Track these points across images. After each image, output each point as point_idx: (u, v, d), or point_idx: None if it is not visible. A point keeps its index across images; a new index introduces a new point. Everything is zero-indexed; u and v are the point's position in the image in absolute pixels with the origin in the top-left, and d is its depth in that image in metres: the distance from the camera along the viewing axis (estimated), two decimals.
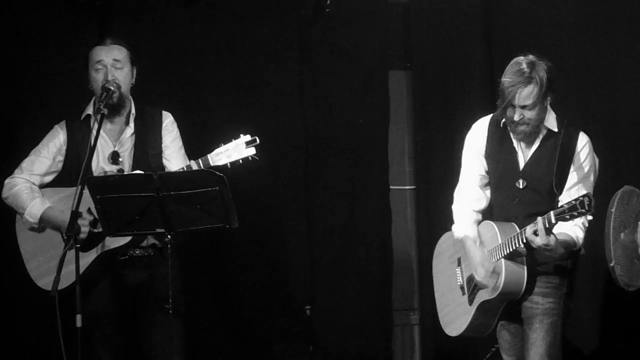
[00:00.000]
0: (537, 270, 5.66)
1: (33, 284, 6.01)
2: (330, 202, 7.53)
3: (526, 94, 5.55)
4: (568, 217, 5.37)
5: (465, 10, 7.42)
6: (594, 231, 5.78)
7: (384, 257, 7.58)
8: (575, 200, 5.35)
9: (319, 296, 7.50)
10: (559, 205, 5.46)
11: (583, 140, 5.68)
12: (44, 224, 6.00)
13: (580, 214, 5.34)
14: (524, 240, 5.51)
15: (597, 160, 5.76)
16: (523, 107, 5.56)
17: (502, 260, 5.62)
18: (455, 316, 5.89)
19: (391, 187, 7.66)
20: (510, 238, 5.58)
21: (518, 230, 5.58)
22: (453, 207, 5.91)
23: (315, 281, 7.50)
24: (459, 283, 5.91)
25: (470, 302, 5.79)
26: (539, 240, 5.44)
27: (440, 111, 7.52)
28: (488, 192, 5.86)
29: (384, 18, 7.61)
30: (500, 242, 5.64)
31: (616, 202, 5.83)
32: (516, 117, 5.59)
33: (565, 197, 5.60)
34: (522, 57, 5.65)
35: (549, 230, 5.43)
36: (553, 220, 5.39)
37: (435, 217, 7.07)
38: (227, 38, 7.34)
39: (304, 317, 7.46)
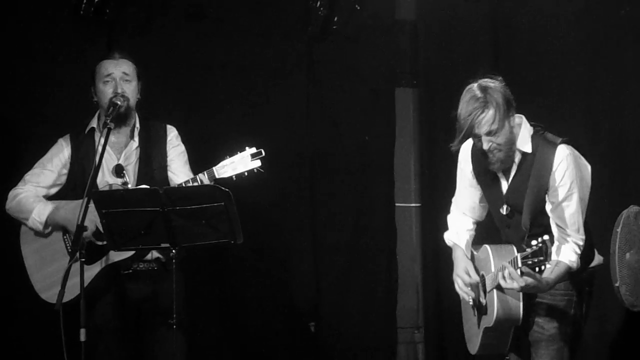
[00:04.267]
0: (541, 295, 5.45)
1: (37, 297, 6.01)
2: (336, 219, 7.52)
3: (487, 120, 5.25)
4: (531, 262, 5.11)
5: (472, 28, 7.42)
6: (600, 252, 5.74)
7: (388, 274, 7.57)
8: (536, 245, 5.10)
9: (323, 313, 7.49)
10: (526, 247, 5.19)
11: (559, 156, 5.32)
12: (51, 224, 6.00)
13: (541, 262, 5.07)
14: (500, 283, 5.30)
15: (587, 170, 5.44)
16: (488, 134, 5.28)
17: (494, 291, 5.42)
18: (471, 335, 5.83)
19: (397, 204, 7.65)
20: (498, 270, 5.36)
21: (515, 254, 5.33)
22: (448, 216, 5.86)
23: (320, 298, 7.49)
24: (470, 303, 5.85)
25: (478, 325, 5.74)
26: (515, 285, 5.20)
27: (447, 129, 7.46)
28: (483, 205, 5.72)
29: (392, 35, 7.62)
30: (493, 270, 5.46)
31: (622, 222, 5.81)
32: (485, 146, 5.30)
33: (552, 223, 5.39)
34: (473, 84, 5.36)
35: (522, 273, 5.16)
36: (519, 264, 5.15)
37: (441, 235, 7.05)
38: (234, 53, 7.35)
39: (309, 334, 7.45)
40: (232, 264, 7.25)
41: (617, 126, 7.08)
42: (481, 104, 5.26)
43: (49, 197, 6.10)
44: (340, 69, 7.53)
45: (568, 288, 5.49)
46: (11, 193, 6.11)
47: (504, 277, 5.24)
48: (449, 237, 5.83)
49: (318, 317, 7.49)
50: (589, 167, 5.47)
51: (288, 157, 7.33)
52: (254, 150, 5.94)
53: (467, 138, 5.37)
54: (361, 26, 7.51)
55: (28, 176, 6.12)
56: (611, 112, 7.10)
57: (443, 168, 7.35)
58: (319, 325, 7.48)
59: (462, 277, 5.62)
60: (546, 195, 5.36)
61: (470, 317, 5.84)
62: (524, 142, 5.39)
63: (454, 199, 5.85)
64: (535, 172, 5.35)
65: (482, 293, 5.60)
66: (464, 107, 5.30)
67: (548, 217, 5.41)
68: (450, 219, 5.85)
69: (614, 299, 6.00)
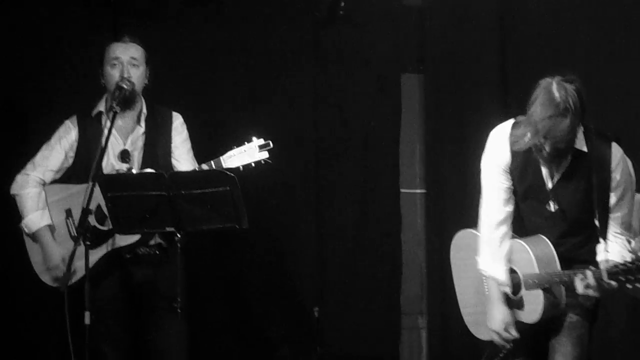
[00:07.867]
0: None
1: (39, 279, 6.03)
2: (341, 205, 7.52)
3: (563, 128, 5.02)
4: (623, 279, 5.09)
5: (480, 15, 7.41)
6: None
7: (393, 260, 7.58)
8: (632, 263, 5.07)
9: (327, 298, 7.50)
10: (613, 261, 5.17)
11: (617, 155, 5.23)
12: (36, 238, 6.01)
13: (637, 280, 5.04)
14: (569, 287, 5.28)
15: (630, 165, 5.33)
16: (557, 141, 5.08)
17: (541, 292, 5.37)
18: (483, 320, 5.78)
19: (402, 190, 7.65)
20: (551, 275, 5.31)
21: (554, 253, 5.31)
22: (481, 230, 5.50)
23: (324, 283, 7.50)
24: (486, 292, 5.78)
25: None
26: (592, 293, 5.18)
27: (453, 115, 7.51)
28: (511, 206, 5.45)
29: (398, 21, 7.60)
30: (537, 271, 5.37)
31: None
32: (548, 149, 5.10)
33: (603, 221, 5.34)
34: (551, 81, 5.08)
35: (602, 285, 5.15)
36: (605, 279, 5.11)
37: (446, 221, 7.07)
38: (240, 39, 7.34)
39: (312, 319, 7.46)
40: (236, 249, 7.26)
41: (625, 119, 7.06)
42: (562, 111, 5.01)
43: (55, 181, 6.09)
44: (346, 55, 7.52)
45: None
46: (19, 178, 6.09)
47: (587, 286, 5.18)
48: (485, 267, 5.51)
49: (322, 302, 7.50)
50: (630, 162, 5.35)
51: (293, 143, 7.32)
52: (262, 141, 5.92)
53: (542, 139, 5.09)
54: (368, 12, 7.50)
55: (37, 159, 6.09)
56: (618, 103, 7.09)
57: (448, 154, 7.39)
58: (322, 310, 7.49)
59: (494, 335, 5.48)
60: (598, 194, 5.25)
61: (483, 303, 5.75)
62: (580, 141, 5.22)
63: (482, 209, 5.50)
64: (590, 171, 5.23)
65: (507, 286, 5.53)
66: (542, 109, 5.03)
67: (591, 216, 5.32)
68: (483, 238, 5.50)
69: (621, 296, 6.00)
